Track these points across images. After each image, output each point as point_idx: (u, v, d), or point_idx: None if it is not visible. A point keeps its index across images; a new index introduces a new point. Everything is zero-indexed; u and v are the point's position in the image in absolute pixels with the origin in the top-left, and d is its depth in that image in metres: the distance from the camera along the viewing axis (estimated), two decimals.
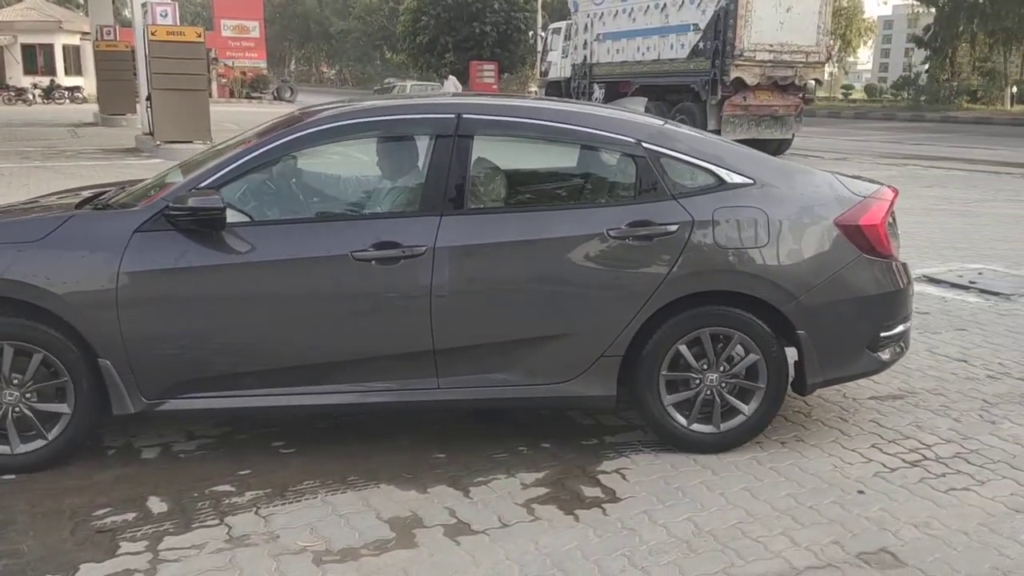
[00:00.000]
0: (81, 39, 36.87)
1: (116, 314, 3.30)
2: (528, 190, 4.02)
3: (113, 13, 26.77)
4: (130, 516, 3.06)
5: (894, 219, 3.89)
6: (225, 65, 40.66)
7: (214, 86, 33.59)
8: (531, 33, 37.16)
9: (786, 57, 16.56)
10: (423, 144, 3.73)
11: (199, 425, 3.84)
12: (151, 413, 3.44)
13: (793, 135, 17.86)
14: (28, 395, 3.34)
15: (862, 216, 3.65)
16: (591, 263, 3.50)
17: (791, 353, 3.67)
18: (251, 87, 42.00)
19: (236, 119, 21.84)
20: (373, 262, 3.38)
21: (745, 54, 16.19)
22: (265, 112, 26.89)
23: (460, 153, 3.55)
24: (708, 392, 3.61)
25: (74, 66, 38.07)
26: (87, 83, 35.49)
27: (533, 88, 32.76)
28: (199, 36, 15.37)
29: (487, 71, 32.20)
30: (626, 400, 3.69)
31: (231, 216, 3.37)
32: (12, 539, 2.89)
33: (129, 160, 15.16)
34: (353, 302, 3.44)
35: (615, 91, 20.69)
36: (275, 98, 41.83)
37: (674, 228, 3.50)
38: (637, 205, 3.60)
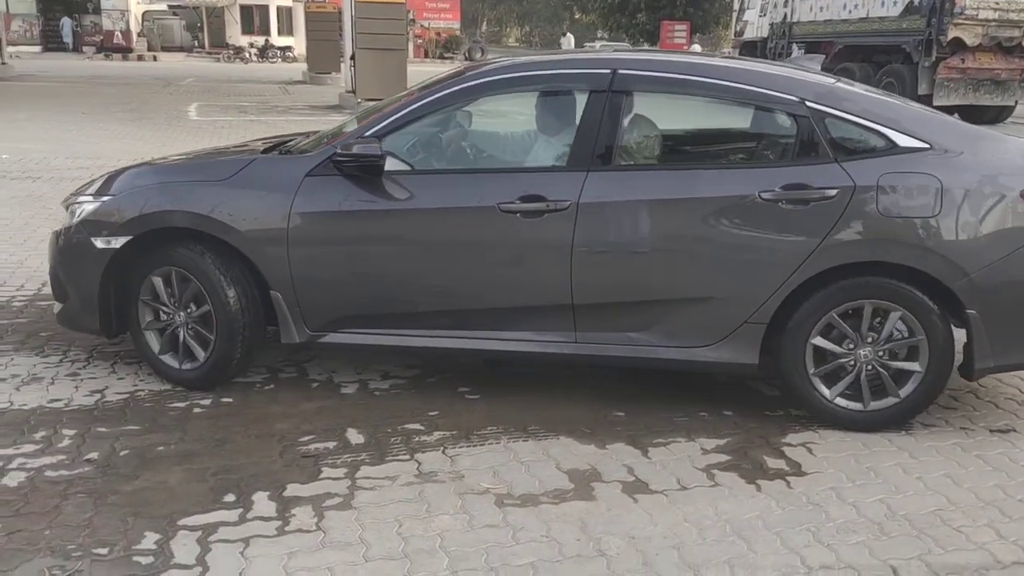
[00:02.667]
0: (294, 1, 39.15)
1: (287, 251, 3.56)
2: (681, 148, 3.95)
3: None
4: (331, 444, 3.29)
5: None
6: (421, 26, 41.90)
7: (411, 46, 34.77)
8: None
9: (1013, 16, 14.99)
10: (579, 99, 3.71)
11: (392, 366, 4.06)
12: (314, 344, 3.72)
13: (1016, 102, 16.23)
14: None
15: None
16: (739, 225, 3.38)
17: (960, 335, 3.36)
18: (444, 48, 43.11)
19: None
20: (518, 214, 3.45)
21: (967, 11, 14.80)
22: None
23: (612, 109, 3.53)
24: (860, 368, 3.40)
25: (286, 27, 40.53)
26: (297, 43, 37.72)
27: (726, 49, 31.55)
28: None
29: (678, 31, 31.32)
30: (770, 371, 3.55)
31: (393, 164, 3.54)
32: (230, 456, 3.19)
33: (333, 116, 16.02)
34: (499, 252, 3.53)
35: (816, 51, 19.58)
36: (466, 59, 42.74)
37: (833, 193, 3.29)
38: (795, 167, 3.42)
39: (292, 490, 2.94)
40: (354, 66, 16.25)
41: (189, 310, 3.70)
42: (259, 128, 13.58)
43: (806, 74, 3.86)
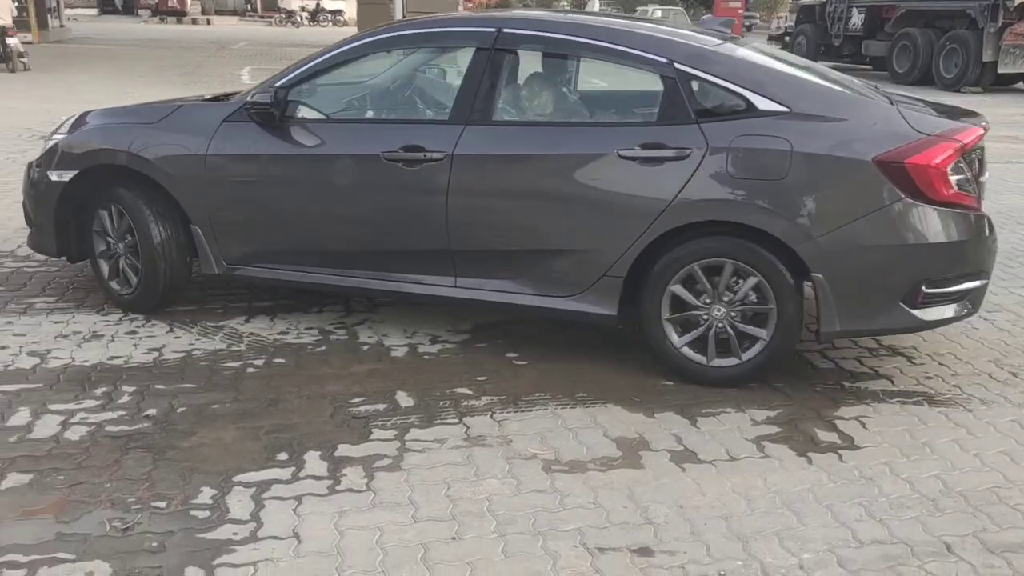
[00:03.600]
0: None
1: (203, 189, 3.94)
2: (554, 106, 4.05)
3: None
4: (381, 407, 3.33)
5: (978, 162, 3.49)
6: None
7: (461, 10, 34.52)
8: None
9: None
10: (465, 56, 3.85)
11: (441, 331, 4.08)
12: (230, 276, 4.10)
13: None
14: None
15: (911, 155, 3.22)
16: (598, 181, 3.51)
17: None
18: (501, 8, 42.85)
19: None
20: (400, 163, 3.68)
21: None
22: None
23: (494, 66, 3.70)
24: (711, 324, 3.50)
25: None
26: (348, 7, 37.71)
27: (783, 13, 30.73)
28: None
29: None
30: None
31: (303, 113, 3.90)
32: (282, 415, 3.25)
33: None
34: (383, 198, 3.76)
35: (877, 16, 19.03)
36: None
37: (686, 152, 3.38)
38: (656, 127, 3.56)
39: (343, 450, 2.99)
40: None
41: (126, 241, 4.11)
42: None
43: (682, 35, 3.85)
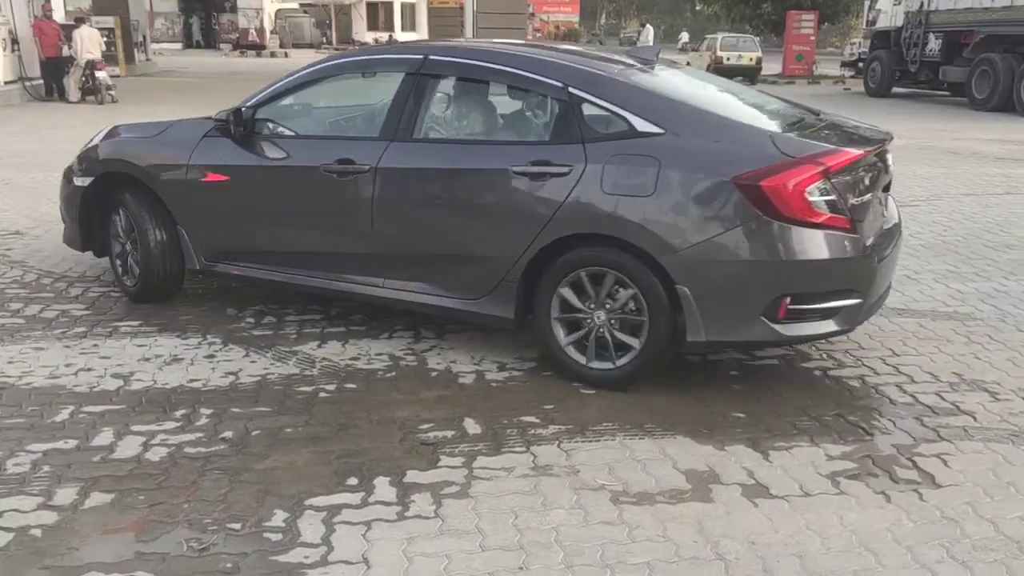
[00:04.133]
0: None
1: (186, 195, 4.52)
2: (468, 125, 4.35)
3: None
4: (449, 433, 3.35)
5: (869, 183, 3.72)
6: (540, 20, 42.06)
7: (529, 39, 35.00)
8: None
9: None
10: (395, 80, 4.21)
11: (509, 358, 4.10)
12: (209, 271, 4.65)
13: None
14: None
15: (767, 177, 3.39)
16: (496, 195, 3.85)
17: None
18: (563, 40, 43.14)
19: None
20: (335, 175, 4.10)
21: None
22: None
23: (418, 89, 4.10)
24: (593, 328, 3.74)
25: (409, 22, 41.46)
26: (419, 38, 38.52)
27: (856, 39, 30.15)
28: None
29: (805, 21, 30.23)
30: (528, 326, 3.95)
31: (261, 128, 4.40)
32: (353, 440, 3.29)
33: None
34: (323, 206, 4.23)
35: (955, 41, 18.56)
36: None
37: (566, 170, 3.65)
38: (547, 145, 3.88)
39: (412, 476, 3.01)
40: None
41: (132, 238, 4.71)
42: None
43: (581, 61, 4.11)
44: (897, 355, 4.24)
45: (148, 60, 25.74)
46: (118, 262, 4.87)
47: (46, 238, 6.16)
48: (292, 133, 4.52)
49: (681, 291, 3.50)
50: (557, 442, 3.29)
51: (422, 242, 4.04)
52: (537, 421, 3.47)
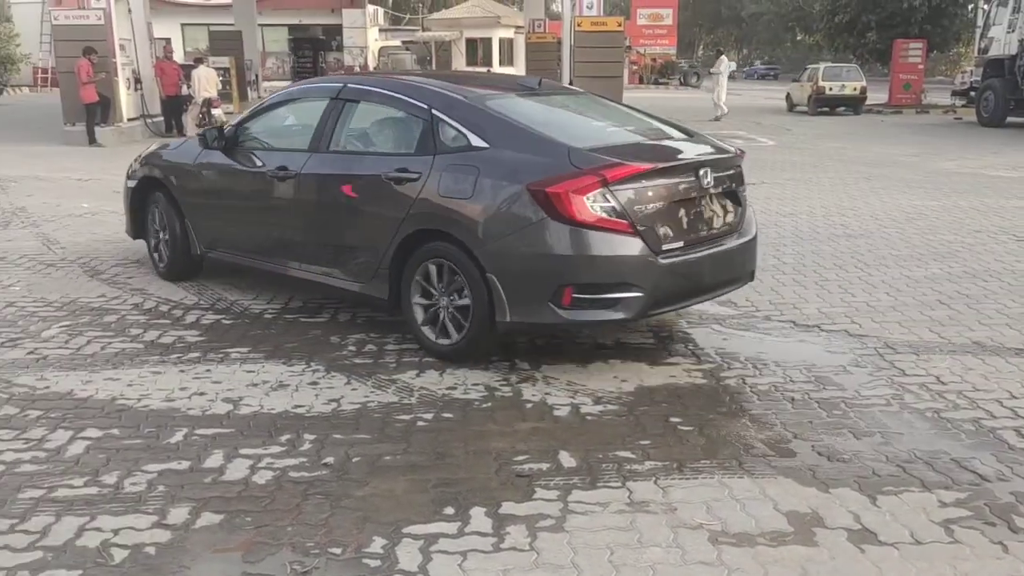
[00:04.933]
0: (515, 32, 40.64)
1: (189, 194, 5.78)
2: (365, 139, 5.11)
3: (544, 7, 29.09)
4: (544, 466, 3.35)
5: (660, 191, 4.22)
6: (637, 52, 42.08)
7: (625, 73, 35.00)
8: (970, 7, 33.04)
9: None
10: (322, 104, 5.18)
11: (604, 391, 4.08)
12: (206, 257, 5.82)
13: None
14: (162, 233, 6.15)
15: (551, 184, 4.04)
16: (371, 196, 4.68)
17: None
18: (659, 73, 43.01)
19: (644, 104, 22.48)
20: (276, 179, 5.12)
21: None
22: (670, 97, 27.47)
23: (335, 111, 5.05)
24: (439, 309, 4.48)
25: (507, 57, 42.09)
26: (517, 72, 39.07)
27: (968, 68, 28.98)
28: (619, 25, 16.16)
29: (913, 50, 29.29)
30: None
31: (238, 142, 5.51)
32: (449, 469, 3.34)
33: None
34: (267, 204, 5.25)
35: None
36: (681, 83, 42.40)
37: (416, 176, 4.45)
38: (410, 156, 4.62)
39: (507, 508, 3.02)
40: None
41: (163, 230, 6.07)
42: None
43: (452, 88, 4.89)
44: (1015, 397, 4.03)
45: (260, 97, 26.93)
46: (156, 248, 6.25)
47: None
48: (252, 145, 5.52)
49: (490, 279, 4.18)
50: (654, 478, 3.25)
51: (327, 234, 4.95)
52: (633, 456, 3.43)
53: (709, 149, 4.77)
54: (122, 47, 16.50)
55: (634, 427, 3.72)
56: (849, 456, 3.42)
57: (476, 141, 4.38)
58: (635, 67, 42.39)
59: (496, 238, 4.15)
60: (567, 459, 3.41)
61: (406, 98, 4.83)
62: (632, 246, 4.08)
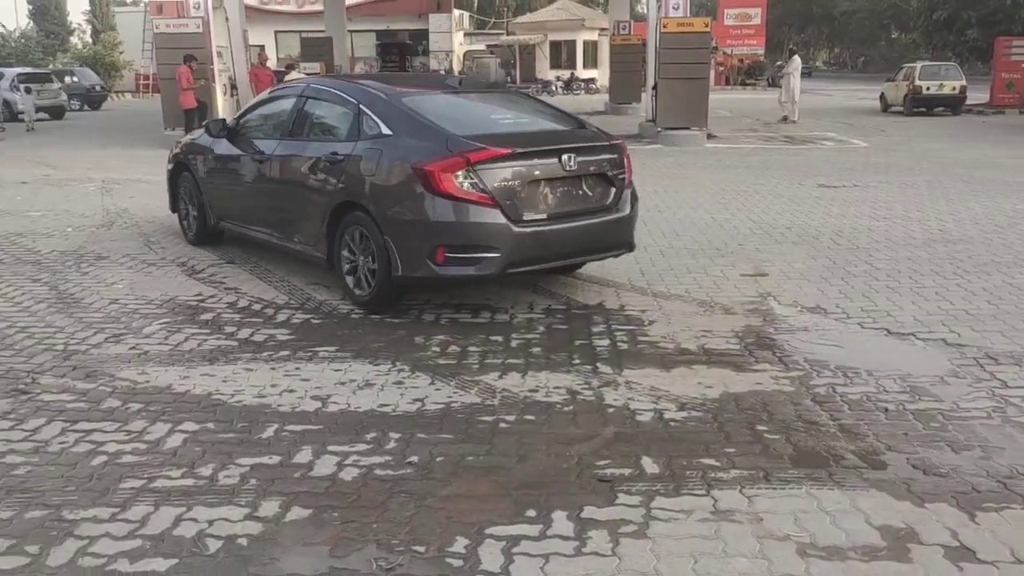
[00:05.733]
0: (599, 35, 40.52)
1: (205, 175, 7.14)
2: (318, 129, 6.17)
3: (629, 9, 28.89)
4: (626, 471, 3.33)
5: (521, 170, 5.09)
6: (724, 53, 41.35)
7: (712, 74, 34.45)
8: None
9: None
10: (293, 102, 6.40)
11: (689, 397, 4.03)
12: (219, 226, 7.18)
13: None
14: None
15: (428, 164, 4.95)
16: (314, 174, 5.77)
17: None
18: (746, 74, 42.17)
19: (729, 106, 22.17)
20: (257, 162, 6.38)
21: None
22: (757, 99, 26.92)
23: (299, 107, 6.28)
24: (359, 267, 5.46)
25: (591, 59, 42.01)
26: (600, 75, 38.97)
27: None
28: (706, 26, 15.88)
29: (1017, 48, 27.93)
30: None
31: (238, 132, 6.83)
32: (531, 472, 3.34)
33: (631, 145, 16.27)
34: (252, 182, 6.50)
35: None
36: (769, 84, 41.50)
37: (341, 158, 5.50)
38: (343, 143, 5.64)
39: (589, 512, 3.01)
40: (655, 95, 16.43)
41: (191, 204, 7.53)
42: None
43: (380, 88, 5.95)
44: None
45: None
46: (184, 221, 7.71)
47: (260, 266, 6.71)
48: (249, 135, 6.75)
49: (387, 240, 5.12)
50: (739, 487, 3.19)
51: (290, 206, 6.07)
52: (718, 464, 3.38)
53: (583, 138, 5.63)
54: (219, 54, 17.10)
55: (719, 434, 3.66)
56: (946, 470, 3.29)
57: (385, 130, 5.40)
58: (721, 68, 41.64)
59: (391, 207, 5.12)
60: (650, 465, 3.38)
61: (343, 95, 5.95)
62: (492, 215, 4.95)
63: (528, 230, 5.03)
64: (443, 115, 5.47)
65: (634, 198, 5.78)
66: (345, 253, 5.52)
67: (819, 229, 8.01)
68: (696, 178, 11.72)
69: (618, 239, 5.67)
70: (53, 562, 2.74)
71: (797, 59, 21.71)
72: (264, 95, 7.20)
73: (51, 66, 36.87)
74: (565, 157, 5.18)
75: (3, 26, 45.40)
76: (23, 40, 45.27)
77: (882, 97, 27.03)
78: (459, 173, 4.90)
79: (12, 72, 24.34)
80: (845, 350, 4.71)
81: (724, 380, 4.28)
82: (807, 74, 25.65)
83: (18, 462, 3.43)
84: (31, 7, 49.43)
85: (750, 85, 41.15)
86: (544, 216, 5.14)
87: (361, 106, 5.63)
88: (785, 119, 20.64)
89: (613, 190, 5.54)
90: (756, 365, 4.50)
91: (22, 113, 22.19)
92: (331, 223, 5.54)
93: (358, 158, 5.36)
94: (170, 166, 7.75)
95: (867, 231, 7.92)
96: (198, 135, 7.45)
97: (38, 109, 23.02)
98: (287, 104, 6.45)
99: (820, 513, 3.00)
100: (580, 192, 5.37)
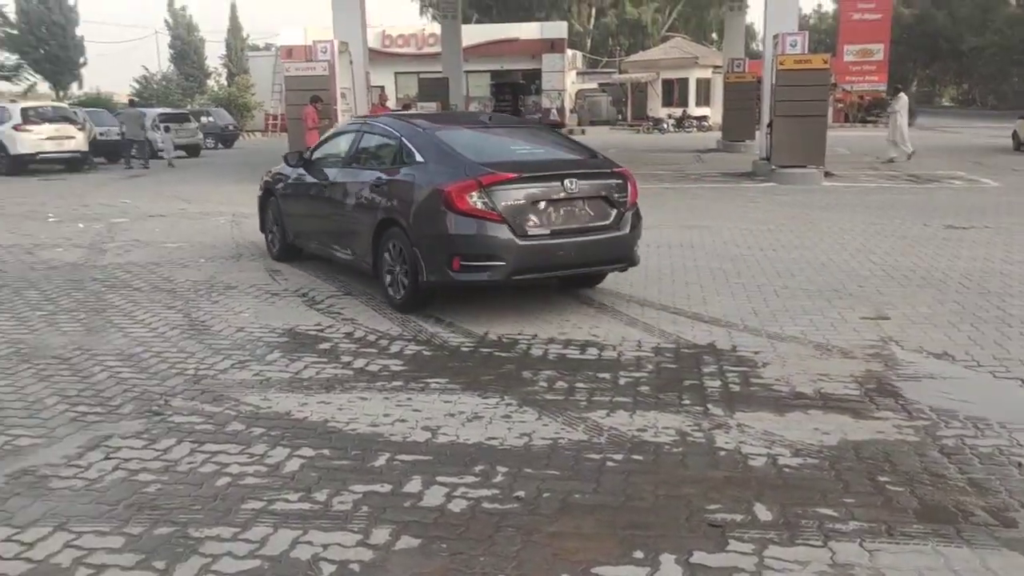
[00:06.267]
0: (713, 72, 40.15)
1: (285, 199, 8.40)
2: (370, 158, 7.33)
3: (744, 47, 28.56)
4: (738, 517, 3.24)
5: (529, 192, 6.03)
6: (843, 90, 40.23)
7: (830, 111, 33.57)
8: None
9: None
10: (354, 136, 7.62)
11: (805, 443, 3.90)
12: (296, 243, 8.31)
13: None
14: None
15: (447, 187, 5.93)
16: (366, 197, 6.82)
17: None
18: (866, 111, 40.86)
19: (847, 144, 21.49)
20: (323, 186, 7.53)
21: None
22: (879, 136, 25.88)
23: (357, 140, 7.50)
24: (396, 274, 6.47)
25: (703, 97, 41.61)
26: (712, 112, 38.53)
27: None
28: (825, 63, 15.51)
29: None
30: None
31: (314, 162, 8.02)
32: (638, 513, 3.30)
33: (744, 183, 16.05)
34: (320, 204, 7.65)
35: None
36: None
37: (384, 182, 6.63)
38: (386, 169, 6.81)
39: (698, 557, 2.95)
40: (770, 133, 16.12)
41: (276, 224, 8.72)
42: (673, 196, 14.05)
43: (418, 123, 7.10)
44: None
45: None
46: (270, 237, 8.94)
47: (375, 299, 6.92)
48: (319, 164, 7.88)
49: (415, 251, 6.13)
50: (859, 540, 3.06)
51: (346, 224, 7.20)
52: (836, 514, 3.25)
53: (587, 166, 6.61)
54: (343, 95, 17.85)
55: (837, 483, 3.52)
56: None
57: (419, 158, 6.46)
58: (840, 104, 40.48)
59: (419, 223, 6.12)
60: (763, 512, 3.28)
61: (389, 129, 7.11)
62: (500, 230, 5.86)
63: (531, 243, 5.93)
64: (468, 145, 6.46)
65: (636, 218, 6.61)
66: (386, 262, 6.54)
67: (946, 272, 7.65)
68: (812, 217, 11.40)
69: (617, 254, 6.48)
70: None
71: (903, 97, 20.73)
72: (332, 131, 8.70)
73: (189, 107, 39.29)
74: (567, 181, 6.08)
75: (147, 69, 48.68)
76: (164, 83, 48.47)
77: (1015, 135, 25.63)
78: (473, 194, 5.85)
79: (153, 112, 26.04)
80: (975, 401, 4.46)
81: (842, 427, 4.12)
82: (923, 111, 24.49)
83: (149, 480, 3.63)
84: (172, 52, 52.93)
85: (871, 122, 39.82)
86: (547, 232, 6.01)
87: (403, 139, 6.74)
88: (892, 160, 19.67)
89: (614, 211, 6.36)
90: (877, 412, 4.32)
91: (162, 151, 23.71)
92: (376, 237, 6.59)
93: (398, 182, 6.47)
94: (260, 192, 9.06)
95: (999, 275, 7.50)
96: (283, 165, 8.53)
97: (176, 147, 24.53)
98: (349, 138, 7.69)
99: (947, 572, 2.85)
100: (582, 212, 6.22)
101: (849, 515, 3.24)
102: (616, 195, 6.36)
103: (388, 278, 6.52)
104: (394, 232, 6.36)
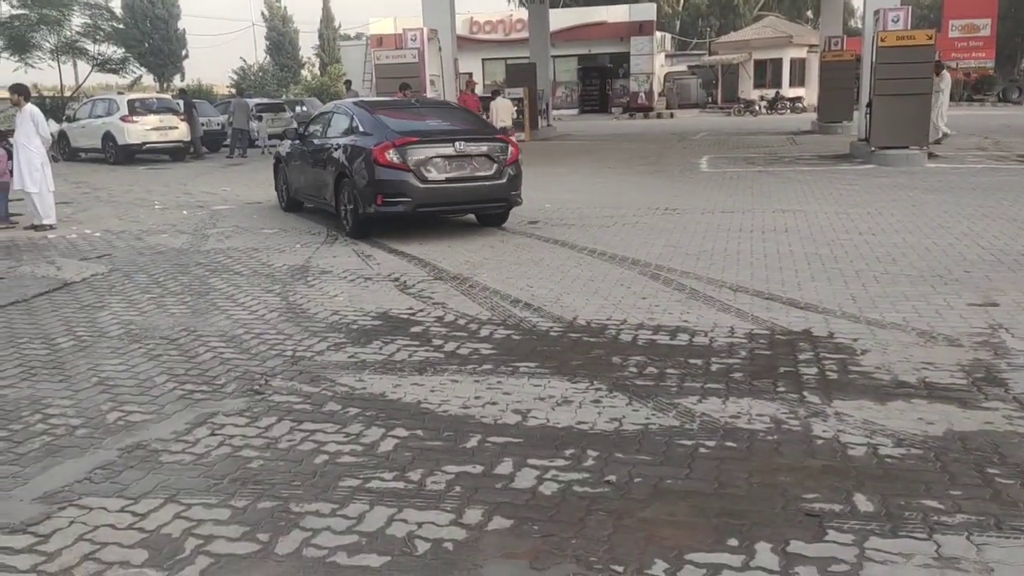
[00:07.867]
0: (808, 51, 38.94)
1: (289, 165, 11.72)
2: (333, 131, 10.25)
3: (842, 24, 27.57)
4: (836, 507, 3.16)
5: (430, 151, 9.08)
6: (949, 67, 38.48)
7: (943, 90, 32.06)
8: None
9: None
10: (345, 116, 10.19)
11: (908, 432, 3.77)
12: (294, 196, 11.67)
13: None
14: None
15: (375, 147, 8.93)
16: (333, 156, 9.79)
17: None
18: (973, 89, 38.96)
19: (953, 123, 20.49)
20: (308, 152, 10.79)
21: None
22: (986, 115, 24.66)
23: (329, 118, 10.72)
24: (347, 209, 9.55)
25: (798, 77, 40.41)
26: (807, 93, 37.41)
27: None
28: (929, 39, 14.85)
29: None
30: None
31: (307, 136, 11.25)
32: (732, 500, 3.25)
33: (841, 165, 15.53)
34: (307, 165, 10.83)
35: None
36: (1000, 99, 38.14)
37: (340, 146, 9.63)
38: (344, 137, 9.75)
39: (795, 547, 2.89)
40: (870, 113, 15.54)
41: (283, 184, 12.13)
42: (766, 179, 13.71)
43: (369, 105, 10.35)
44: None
45: (548, 125, 28.15)
46: (279, 194, 12.21)
47: (465, 283, 7.00)
48: (308, 136, 10.90)
49: (355, 193, 9.11)
50: (966, 533, 2.94)
51: (321, 178, 10.11)
52: (941, 507, 3.13)
53: (476, 132, 9.69)
54: (432, 82, 18.05)
55: (942, 474, 3.39)
56: None
57: (362, 129, 9.44)
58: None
59: (358, 173, 9.03)
60: (863, 502, 3.19)
61: (348, 109, 10.11)
62: (408, 177, 8.82)
63: (430, 186, 8.92)
64: (393, 121, 9.43)
65: (516, 171, 9.54)
66: (342, 202, 9.52)
67: None
68: (915, 200, 10.96)
69: (496, 196, 9.42)
70: (281, 550, 2.98)
71: (947, 75, 19.42)
72: (317, 112, 12.11)
73: (283, 97, 40.38)
74: (458, 143, 9.10)
75: (244, 60, 50.25)
76: (260, 73, 49.91)
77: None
78: (390, 151, 8.82)
79: (251, 103, 26.85)
80: None
81: (948, 417, 3.96)
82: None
83: (252, 456, 3.78)
84: (268, 43, 54.43)
85: (977, 100, 37.95)
86: (442, 178, 8.99)
87: (354, 116, 9.81)
88: (939, 141, 18.29)
89: (495, 166, 9.28)
90: (986, 403, 4.14)
91: (258, 140, 24.46)
92: (336, 186, 9.65)
93: (348, 146, 9.41)
94: (274, 161, 12.52)
95: None
96: (288, 141, 12.25)
97: (271, 136, 25.27)
98: (327, 117, 10.78)
99: None
100: (469, 165, 9.15)
101: (955, 508, 3.12)
102: (498, 154, 9.30)
103: (343, 212, 9.51)
104: (345, 182, 9.36)
